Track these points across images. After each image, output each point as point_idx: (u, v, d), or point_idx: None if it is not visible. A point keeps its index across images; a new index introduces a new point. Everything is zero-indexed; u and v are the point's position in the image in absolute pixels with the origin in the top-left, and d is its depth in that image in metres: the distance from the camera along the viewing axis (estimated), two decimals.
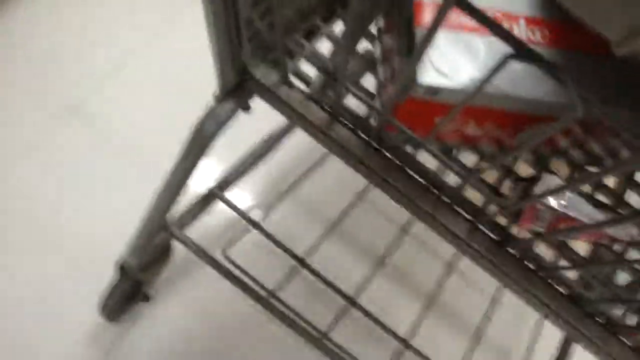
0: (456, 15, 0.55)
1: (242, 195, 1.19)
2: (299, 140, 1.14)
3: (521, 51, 0.36)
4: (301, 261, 0.90)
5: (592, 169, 0.66)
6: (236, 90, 0.64)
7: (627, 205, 0.69)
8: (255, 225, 0.89)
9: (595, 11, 0.35)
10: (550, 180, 0.59)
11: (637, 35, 0.32)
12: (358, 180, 0.88)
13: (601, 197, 0.66)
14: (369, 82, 0.67)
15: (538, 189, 0.58)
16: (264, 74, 0.62)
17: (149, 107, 1.27)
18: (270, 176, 1.24)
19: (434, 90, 0.53)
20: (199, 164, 0.71)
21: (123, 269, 0.95)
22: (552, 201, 0.57)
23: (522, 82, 0.53)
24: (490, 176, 0.65)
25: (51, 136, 1.19)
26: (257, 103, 0.65)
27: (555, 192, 0.45)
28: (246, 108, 0.66)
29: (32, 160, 1.16)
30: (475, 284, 1.26)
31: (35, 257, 1.09)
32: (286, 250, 0.89)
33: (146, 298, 1.06)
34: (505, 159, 0.48)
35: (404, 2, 0.57)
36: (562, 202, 0.57)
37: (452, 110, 0.45)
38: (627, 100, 0.55)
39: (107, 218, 1.15)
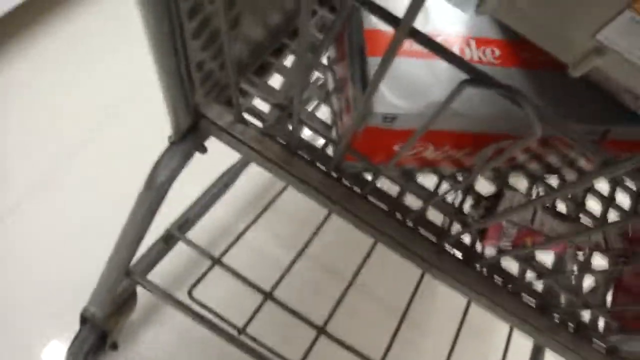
0: (409, 44, 0.55)
1: (202, 233, 1.18)
2: (257, 172, 1.13)
3: (476, 76, 0.37)
4: (268, 294, 0.89)
5: (550, 180, 0.67)
6: (190, 132, 0.63)
7: (588, 212, 0.70)
8: (218, 262, 0.88)
9: (546, 34, 0.36)
10: (512, 197, 0.59)
11: (591, 58, 0.32)
12: (320, 212, 0.88)
13: (561, 207, 0.67)
14: (324, 113, 0.67)
15: (501, 206, 0.59)
16: (218, 114, 0.61)
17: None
18: (230, 211, 1.23)
19: (390, 118, 0.53)
20: (157, 210, 0.70)
21: (86, 320, 0.93)
22: (516, 218, 0.58)
23: (477, 102, 0.54)
24: (450, 195, 0.66)
25: None
26: (212, 140, 0.64)
27: (518, 210, 0.45)
28: (202, 149, 0.66)
29: None
30: (443, 303, 1.27)
31: None
32: (252, 285, 0.88)
33: (114, 346, 1.04)
34: (467, 183, 0.48)
35: (354, 31, 0.57)
36: (527, 217, 0.58)
37: (410, 139, 0.46)
38: (583, 114, 0.56)
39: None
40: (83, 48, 1.39)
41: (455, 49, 0.56)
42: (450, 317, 1.11)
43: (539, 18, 0.32)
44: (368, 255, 1.01)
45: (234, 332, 0.87)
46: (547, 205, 0.63)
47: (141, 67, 1.17)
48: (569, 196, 0.70)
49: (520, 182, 0.67)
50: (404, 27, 0.33)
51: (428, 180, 0.65)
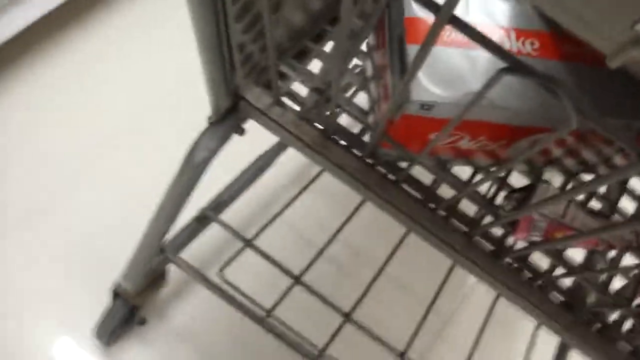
0: (448, 31, 0.55)
1: (236, 215, 1.19)
2: (293, 158, 1.14)
3: (514, 65, 0.37)
4: (296, 279, 0.90)
5: (586, 177, 0.67)
6: (229, 113, 0.65)
7: (621, 211, 0.70)
8: (250, 244, 0.90)
9: (585, 25, 0.36)
10: (545, 190, 0.59)
11: (627, 49, 0.32)
12: (353, 197, 0.89)
13: (596, 205, 0.67)
14: (361, 99, 0.68)
15: (533, 199, 0.59)
16: (257, 97, 0.62)
17: None
18: (264, 195, 1.25)
19: (427, 107, 0.53)
20: (194, 189, 0.71)
21: (117, 295, 0.95)
22: (548, 210, 0.58)
23: (515, 94, 0.54)
24: (484, 187, 0.66)
25: None
26: (250, 123, 0.65)
27: (550, 201, 0.46)
28: (240, 131, 0.67)
29: None
30: (469, 297, 1.27)
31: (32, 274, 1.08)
32: (281, 268, 0.89)
33: (142, 321, 1.06)
34: (500, 172, 0.48)
35: (394, 18, 0.57)
36: (558, 212, 0.58)
37: (447, 125, 0.46)
38: (622, 109, 0.56)
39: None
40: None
41: (495, 40, 0.56)
42: (478, 309, 1.11)
43: (578, 6, 0.32)
44: (400, 243, 1.02)
45: (262, 314, 0.88)
46: (580, 201, 0.63)
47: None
48: (603, 194, 0.70)
49: (555, 180, 0.67)
50: (445, 13, 0.34)
51: (462, 172, 0.65)
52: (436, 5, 0.36)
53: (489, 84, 0.38)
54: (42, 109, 1.26)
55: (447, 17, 0.35)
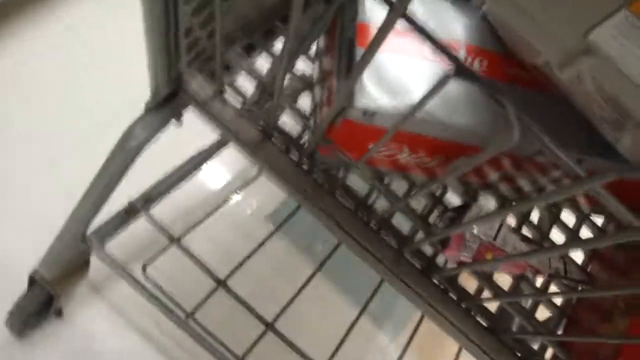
0: (398, 40, 0.55)
1: (165, 210, 1.16)
2: (231, 158, 1.12)
3: (461, 69, 0.36)
4: (221, 282, 0.88)
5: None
6: (169, 100, 0.63)
7: (551, 241, 0.70)
8: (176, 242, 0.87)
9: (539, 30, 0.35)
10: (478, 211, 0.59)
11: (579, 58, 0.32)
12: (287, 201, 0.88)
13: (528, 234, 0.67)
14: (304, 104, 0.67)
15: (466, 218, 0.58)
16: (199, 86, 0.61)
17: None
18: (198, 192, 1.22)
19: (370, 113, 0.52)
20: (123, 176, 0.69)
21: (34, 280, 0.92)
22: (480, 231, 0.57)
23: (457, 110, 0.54)
24: (419, 205, 0.66)
25: None
26: (192, 114, 0.63)
27: (482, 219, 0.45)
28: (178, 118, 0.65)
29: None
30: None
31: None
32: (206, 270, 0.87)
33: (59, 313, 1.02)
34: (435, 185, 0.48)
35: (346, 22, 0.56)
36: (490, 233, 0.58)
37: (388, 130, 0.45)
38: (560, 137, 0.56)
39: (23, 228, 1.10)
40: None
41: None
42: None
43: (534, 11, 0.32)
44: (335, 249, 1.01)
45: (183, 316, 0.86)
46: (513, 227, 0.63)
47: None
48: (535, 224, 0.70)
49: (490, 204, 0.67)
50: (399, 8, 0.33)
51: (399, 190, 0.65)
52: (390, 1, 0.35)
53: (434, 89, 0.38)
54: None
55: (400, 13, 0.34)
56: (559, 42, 0.33)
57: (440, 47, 0.36)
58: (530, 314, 0.65)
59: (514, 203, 0.66)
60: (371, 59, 0.39)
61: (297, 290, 0.93)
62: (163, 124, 0.64)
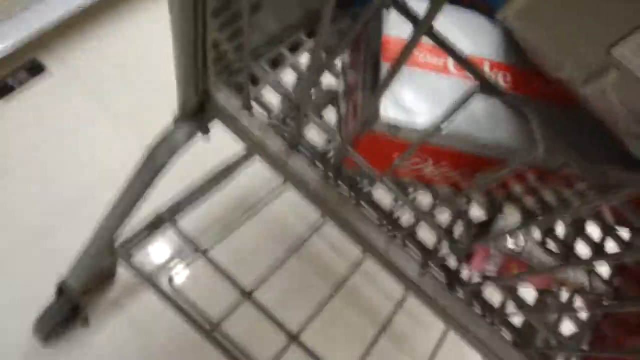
0: (424, 55, 0.55)
1: (192, 221, 1.18)
2: (257, 170, 1.13)
3: (486, 84, 0.37)
4: (247, 294, 0.89)
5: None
6: (196, 112, 0.64)
7: (576, 254, 0.70)
8: (203, 254, 0.88)
9: (563, 47, 0.36)
10: (503, 224, 0.59)
11: (602, 74, 0.32)
12: (314, 213, 0.88)
13: (552, 246, 0.67)
14: (330, 117, 0.67)
15: (491, 232, 0.58)
16: (226, 98, 0.61)
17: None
18: (225, 204, 1.23)
19: (395, 127, 0.53)
20: (151, 186, 0.70)
21: (61, 290, 0.93)
22: (504, 244, 0.57)
23: (482, 124, 0.54)
24: (444, 219, 0.66)
25: None
26: (218, 128, 0.64)
27: (508, 232, 0.45)
28: (205, 131, 0.66)
29: None
30: (422, 325, 1.26)
31: None
32: (232, 281, 0.88)
33: (85, 322, 1.03)
34: (460, 199, 0.48)
35: (372, 36, 0.57)
36: (514, 246, 0.58)
37: (416, 139, 0.46)
38: (584, 150, 0.56)
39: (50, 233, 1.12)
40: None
41: None
42: (432, 336, 1.10)
43: (558, 27, 0.32)
44: (358, 264, 1.01)
45: (208, 327, 0.87)
46: (537, 241, 0.63)
47: None
48: (561, 238, 0.70)
49: (514, 218, 0.67)
50: (424, 24, 0.34)
51: (423, 200, 0.65)
52: (416, 16, 0.35)
53: (459, 103, 0.38)
54: None
55: (425, 29, 0.34)
56: (582, 58, 0.33)
57: (465, 62, 0.36)
58: (555, 327, 0.64)
59: (539, 217, 0.66)
60: (397, 74, 0.40)
61: (326, 299, 0.93)
62: (190, 136, 0.65)
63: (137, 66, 1.34)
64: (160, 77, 1.13)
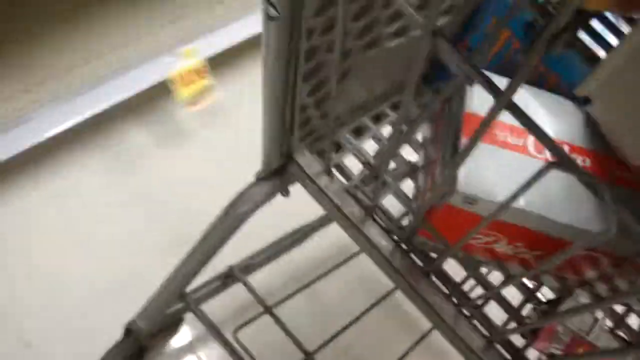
0: (504, 135, 0.56)
1: (262, 279, 1.19)
2: (330, 237, 1.14)
3: (563, 159, 0.38)
4: (309, 355, 0.90)
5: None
6: (278, 173, 0.66)
7: None
8: (269, 311, 0.90)
9: (636, 131, 0.36)
10: (573, 304, 0.59)
11: None
12: (380, 285, 0.88)
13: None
14: (407, 189, 0.69)
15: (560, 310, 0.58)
16: (308, 162, 0.64)
17: None
18: (295, 267, 1.24)
19: (471, 200, 0.54)
20: (227, 240, 0.72)
21: (130, 331, 0.95)
22: (573, 324, 0.57)
23: (557, 204, 0.54)
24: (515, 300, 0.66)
25: None
26: (298, 192, 0.66)
27: (574, 311, 0.45)
28: (285, 192, 0.68)
29: None
30: None
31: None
32: (296, 342, 0.89)
33: None
34: (530, 274, 0.48)
35: (454, 112, 0.59)
36: (583, 328, 0.58)
37: (491, 213, 0.47)
38: None
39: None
40: None
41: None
42: None
43: (632, 112, 0.33)
44: (416, 343, 1.01)
45: None
46: (608, 326, 0.62)
47: None
48: (633, 327, 0.69)
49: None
50: (504, 97, 0.35)
51: (494, 278, 0.65)
52: (497, 88, 0.37)
53: (535, 177, 0.39)
54: None
55: (505, 101, 0.36)
56: None
57: (543, 137, 0.38)
58: None
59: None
60: (476, 145, 0.41)
61: None
62: (270, 196, 0.67)
63: None
64: None
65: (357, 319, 0.98)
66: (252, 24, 1.37)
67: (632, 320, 0.70)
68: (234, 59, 1.48)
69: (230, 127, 1.41)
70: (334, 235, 0.75)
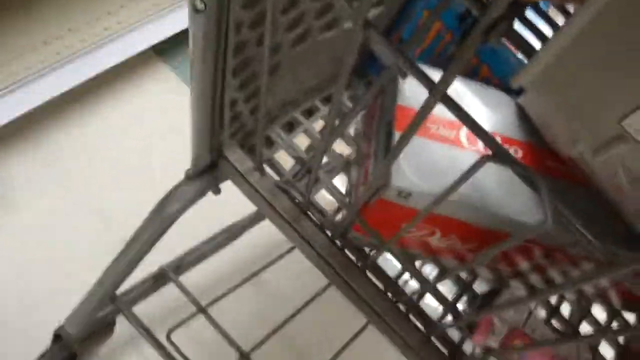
0: (437, 127, 0.56)
1: (195, 278, 1.17)
2: (263, 234, 1.13)
3: (498, 152, 0.37)
4: (244, 355, 0.88)
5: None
6: (209, 171, 0.64)
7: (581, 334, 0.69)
8: (204, 312, 0.88)
9: (576, 115, 0.36)
10: (507, 297, 0.59)
11: (613, 144, 0.33)
12: (316, 282, 0.88)
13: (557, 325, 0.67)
14: (340, 183, 0.68)
15: (495, 303, 0.58)
16: (239, 159, 0.62)
17: None
18: (228, 265, 1.23)
19: (405, 194, 0.53)
20: (157, 240, 0.70)
21: (59, 337, 0.92)
22: (508, 317, 0.57)
23: (492, 196, 0.54)
24: (450, 292, 0.66)
25: None
26: (230, 188, 0.65)
27: (511, 304, 0.45)
28: (216, 190, 0.66)
29: None
30: None
31: None
32: (230, 341, 0.87)
33: None
34: (465, 269, 0.48)
35: (386, 105, 0.58)
36: (518, 319, 0.58)
37: (423, 209, 0.46)
38: (595, 230, 0.56)
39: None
40: None
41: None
42: None
43: (572, 96, 0.33)
44: (356, 336, 1.00)
45: None
46: (542, 318, 0.63)
47: None
48: (566, 318, 0.69)
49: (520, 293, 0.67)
50: (438, 89, 0.34)
51: (429, 272, 0.65)
52: (431, 81, 0.36)
53: (470, 170, 0.39)
54: None
55: (440, 93, 0.35)
56: (594, 127, 0.34)
57: (478, 130, 0.37)
58: None
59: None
60: (409, 140, 0.40)
61: None
62: (201, 194, 0.66)
63: None
64: None
65: (299, 311, 0.97)
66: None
67: (565, 312, 0.71)
68: None
69: None
70: (270, 231, 0.73)
